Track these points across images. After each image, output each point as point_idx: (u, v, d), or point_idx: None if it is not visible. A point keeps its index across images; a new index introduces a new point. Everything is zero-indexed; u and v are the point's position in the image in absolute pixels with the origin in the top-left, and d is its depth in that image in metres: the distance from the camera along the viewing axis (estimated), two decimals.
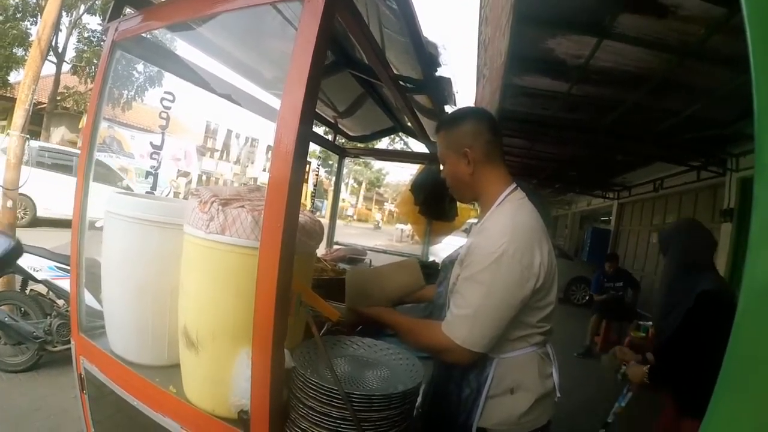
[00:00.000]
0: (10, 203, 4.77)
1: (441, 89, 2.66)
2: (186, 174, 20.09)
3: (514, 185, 1.46)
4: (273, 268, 1.00)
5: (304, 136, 1.03)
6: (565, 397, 1.55)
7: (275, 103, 3.05)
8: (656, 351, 2.36)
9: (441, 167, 1.60)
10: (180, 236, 1.32)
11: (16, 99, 5.20)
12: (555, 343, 1.51)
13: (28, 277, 3.88)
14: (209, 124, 25.50)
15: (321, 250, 3.64)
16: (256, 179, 25.64)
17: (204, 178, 22.39)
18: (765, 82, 0.49)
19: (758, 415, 0.50)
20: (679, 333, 2.10)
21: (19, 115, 4.82)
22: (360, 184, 47.09)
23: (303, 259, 1.36)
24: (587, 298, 9.17)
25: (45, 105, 16.36)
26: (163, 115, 10.40)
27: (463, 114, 1.57)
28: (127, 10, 1.87)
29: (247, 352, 1.10)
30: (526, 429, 1.37)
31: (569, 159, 8.63)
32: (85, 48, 17.42)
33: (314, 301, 1.26)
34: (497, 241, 1.28)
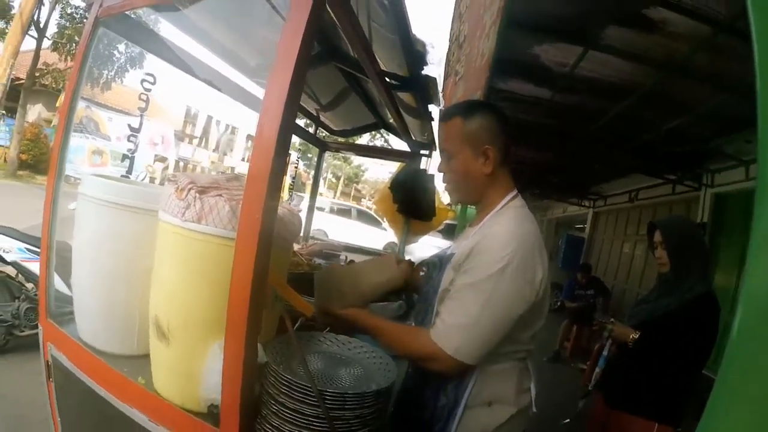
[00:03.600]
0: None
1: (426, 88, 2.66)
2: (163, 159, 19.79)
3: (515, 191, 1.41)
4: (249, 260, 0.97)
5: (288, 127, 1.01)
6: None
7: (259, 91, 3.00)
8: (646, 327, 2.33)
9: (444, 159, 1.44)
10: (154, 223, 1.29)
11: None
12: None
13: None
14: (189, 109, 25.07)
15: (296, 245, 3.60)
16: (233, 168, 25.35)
17: (181, 164, 22.01)
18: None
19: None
20: (672, 322, 2.15)
21: None
22: (338, 179, 46.83)
23: (280, 252, 1.34)
24: (558, 303, 9.28)
25: (23, 81, 15.95)
26: (143, 96, 10.29)
27: (483, 106, 1.46)
28: None
29: (220, 345, 1.08)
30: None
31: (548, 165, 8.69)
32: (67, 24, 17.04)
33: (290, 296, 1.24)
34: (503, 250, 1.21)
